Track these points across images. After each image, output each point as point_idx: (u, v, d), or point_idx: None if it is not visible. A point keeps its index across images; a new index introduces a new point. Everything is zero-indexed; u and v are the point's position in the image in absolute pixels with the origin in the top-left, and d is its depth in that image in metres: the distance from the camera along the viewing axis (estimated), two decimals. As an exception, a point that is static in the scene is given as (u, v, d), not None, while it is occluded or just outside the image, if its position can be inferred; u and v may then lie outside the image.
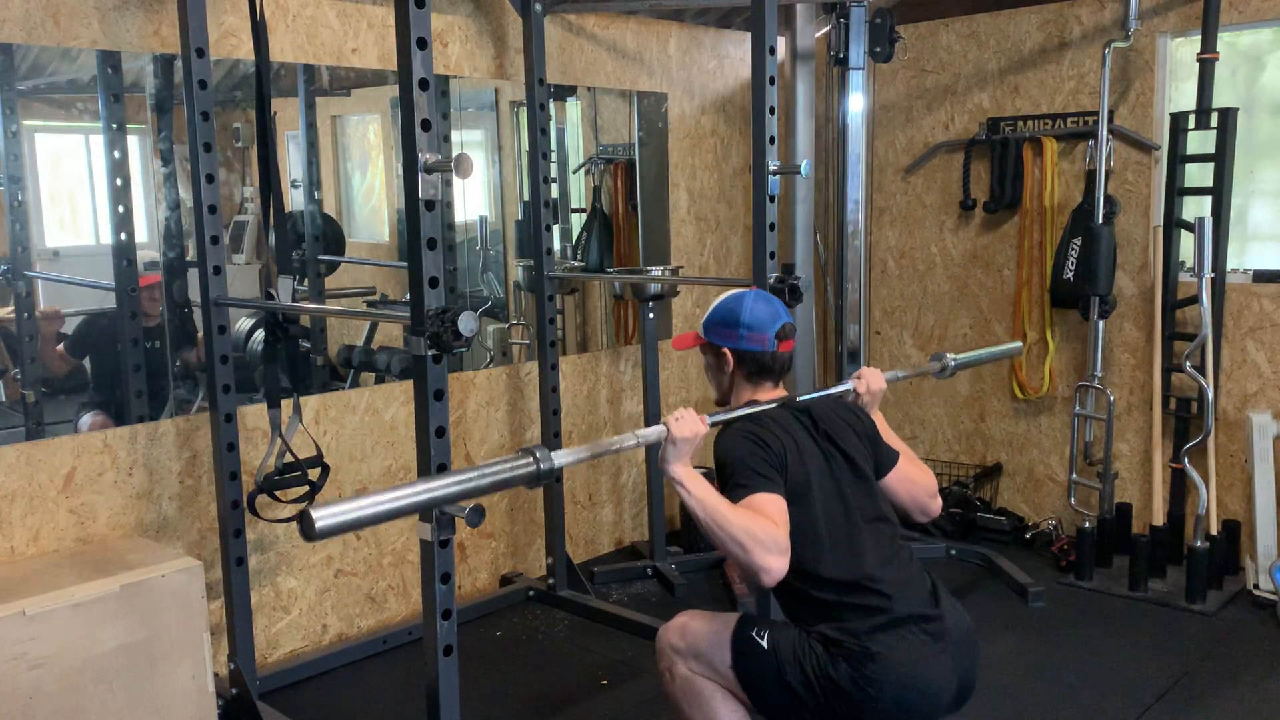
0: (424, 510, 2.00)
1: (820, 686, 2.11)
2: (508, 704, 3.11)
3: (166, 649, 2.65)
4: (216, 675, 2.86)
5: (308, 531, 1.68)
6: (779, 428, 2.24)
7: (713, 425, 2.23)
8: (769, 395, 2.36)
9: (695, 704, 2.27)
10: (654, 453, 4.06)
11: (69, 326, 2.98)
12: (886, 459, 2.42)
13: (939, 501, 2.50)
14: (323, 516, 1.68)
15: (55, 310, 2.93)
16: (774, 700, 2.19)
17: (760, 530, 2.03)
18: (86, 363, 3.00)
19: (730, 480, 2.15)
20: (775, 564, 2.03)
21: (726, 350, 2.36)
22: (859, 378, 2.54)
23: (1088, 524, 3.92)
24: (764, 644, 2.19)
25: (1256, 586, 3.72)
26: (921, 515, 2.50)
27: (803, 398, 2.37)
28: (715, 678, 2.25)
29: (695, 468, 2.17)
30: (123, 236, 2.95)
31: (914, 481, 2.45)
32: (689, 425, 2.14)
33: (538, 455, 1.96)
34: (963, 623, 2.22)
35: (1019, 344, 3.40)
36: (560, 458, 2.02)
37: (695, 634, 2.30)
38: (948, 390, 4.67)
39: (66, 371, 2.96)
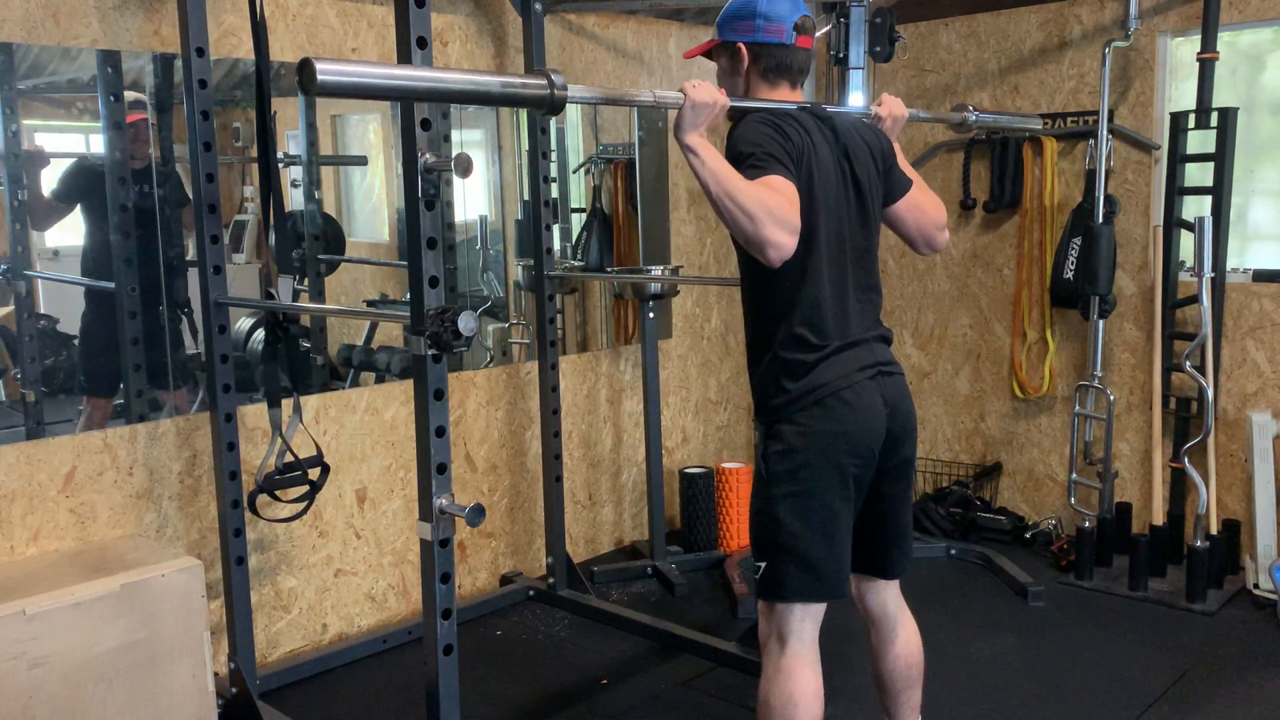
0: (430, 98, 1.91)
1: (801, 450, 2.14)
2: (508, 704, 3.11)
3: (166, 648, 2.65)
4: (216, 675, 2.86)
5: (306, 83, 1.60)
6: (800, 126, 2.17)
7: (732, 108, 2.17)
8: (788, 97, 2.28)
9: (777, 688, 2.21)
10: (654, 451, 4.07)
11: (56, 167, 2.88)
12: (899, 184, 2.37)
13: (945, 235, 2.46)
14: (326, 70, 1.61)
15: (39, 149, 2.84)
16: (805, 521, 2.16)
17: (774, 203, 1.98)
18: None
19: (745, 161, 2.06)
20: (785, 239, 1.98)
21: (741, 45, 2.26)
22: (880, 103, 2.47)
23: (1088, 523, 3.92)
24: (769, 510, 2.19)
25: (1256, 586, 3.72)
26: (926, 247, 2.45)
27: (826, 107, 2.28)
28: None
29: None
30: (123, 236, 2.95)
31: (923, 210, 2.40)
32: (707, 91, 2.08)
33: (554, 78, 1.89)
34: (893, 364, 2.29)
35: (1040, 121, 3.37)
36: (576, 91, 1.95)
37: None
38: (948, 390, 4.67)
39: (55, 219, 2.88)
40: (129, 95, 2.93)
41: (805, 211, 2.09)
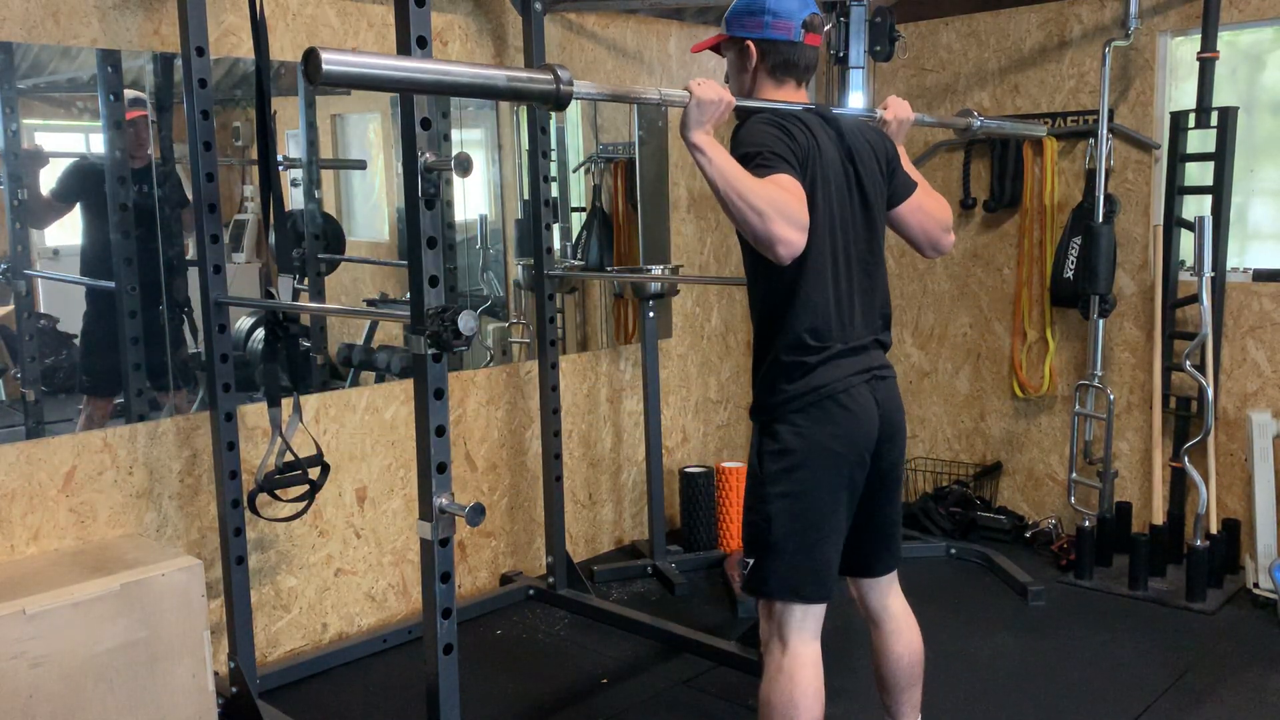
0: (435, 90, 1.85)
1: (797, 451, 2.14)
2: (508, 704, 3.11)
3: (166, 648, 2.65)
4: (216, 674, 2.86)
5: (311, 73, 1.58)
6: (805, 127, 2.16)
7: (738, 106, 2.15)
8: (794, 96, 2.27)
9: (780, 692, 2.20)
10: (654, 451, 4.07)
11: (55, 167, 2.88)
12: (904, 187, 2.35)
13: (951, 237, 2.43)
14: (331, 60, 1.58)
15: (38, 147, 2.83)
16: (797, 524, 2.17)
17: (782, 200, 1.96)
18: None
19: (752, 161, 2.04)
20: (794, 236, 1.97)
21: (749, 42, 2.24)
22: (886, 106, 2.45)
23: (1088, 523, 3.92)
24: (761, 508, 2.19)
25: (1256, 585, 3.72)
26: (932, 250, 2.43)
27: (832, 109, 2.27)
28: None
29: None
30: (123, 235, 2.95)
31: (927, 213, 2.38)
32: (712, 89, 2.06)
33: (560, 74, 1.87)
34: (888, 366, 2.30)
35: (1045, 128, 3.32)
36: (581, 86, 1.92)
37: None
38: (947, 389, 4.67)
39: (54, 218, 2.87)
40: (128, 93, 2.93)
41: (809, 213, 2.08)
